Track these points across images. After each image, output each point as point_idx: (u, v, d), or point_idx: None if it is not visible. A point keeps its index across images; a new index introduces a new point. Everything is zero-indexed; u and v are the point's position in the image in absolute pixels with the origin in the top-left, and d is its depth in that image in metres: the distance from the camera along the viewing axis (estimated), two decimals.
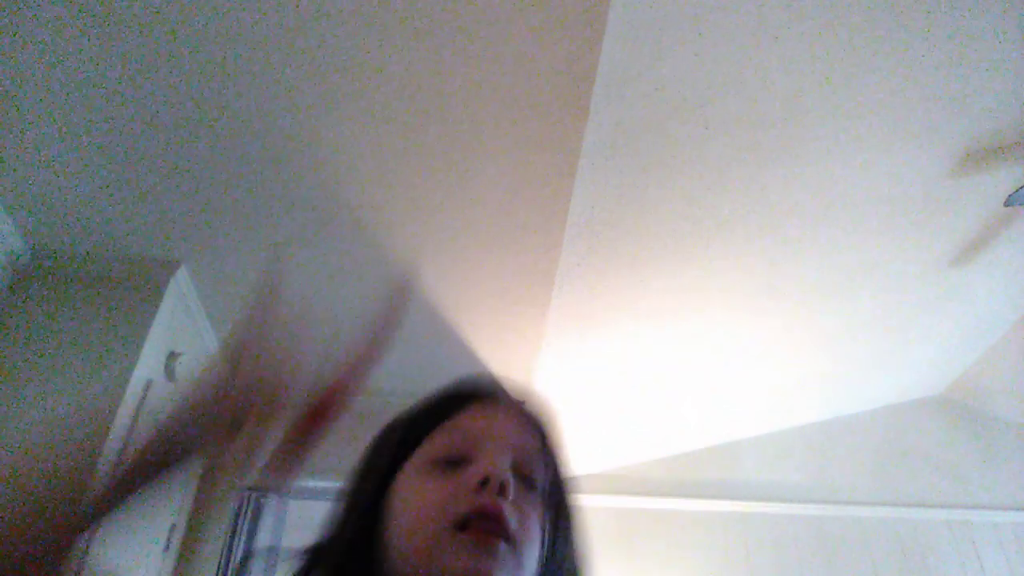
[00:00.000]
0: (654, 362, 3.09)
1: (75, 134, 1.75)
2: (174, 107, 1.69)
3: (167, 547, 2.31)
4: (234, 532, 2.53)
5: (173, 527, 2.35)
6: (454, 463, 0.53)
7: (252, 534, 2.59)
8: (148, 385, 2.05)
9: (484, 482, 0.50)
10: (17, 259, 2.08)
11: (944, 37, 1.86)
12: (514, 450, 0.55)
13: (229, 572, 2.46)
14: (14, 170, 1.85)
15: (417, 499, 0.52)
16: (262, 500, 2.67)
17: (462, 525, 0.48)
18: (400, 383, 2.86)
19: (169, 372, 2.17)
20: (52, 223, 2.03)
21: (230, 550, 2.49)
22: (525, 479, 0.54)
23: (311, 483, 2.74)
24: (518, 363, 2.68)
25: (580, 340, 2.82)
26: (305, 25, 1.51)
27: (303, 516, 3.62)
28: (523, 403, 0.62)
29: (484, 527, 0.48)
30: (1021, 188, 2.33)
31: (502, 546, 0.48)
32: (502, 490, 0.50)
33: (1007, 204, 2.41)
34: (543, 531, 0.52)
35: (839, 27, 1.78)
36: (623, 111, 1.89)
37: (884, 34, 1.82)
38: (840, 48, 1.84)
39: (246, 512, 2.60)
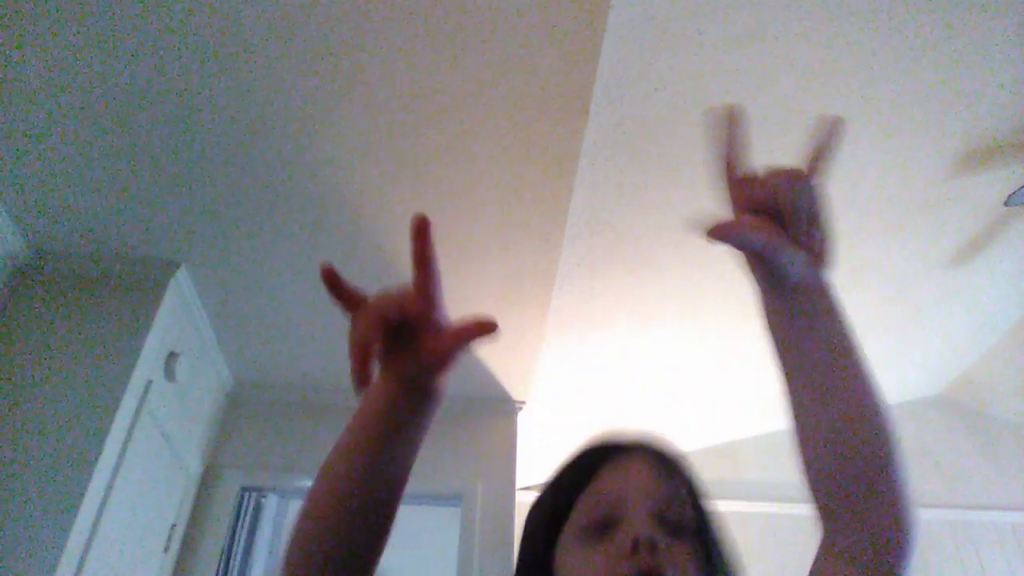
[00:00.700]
0: (654, 362, 3.10)
1: (75, 134, 1.75)
2: (174, 107, 1.69)
3: (167, 547, 2.31)
4: (234, 532, 2.53)
5: (173, 527, 2.35)
6: (604, 527, 0.56)
7: (252, 534, 2.59)
8: (148, 385, 2.05)
9: (635, 546, 0.52)
10: (17, 259, 2.08)
11: (944, 37, 1.86)
12: (655, 500, 0.57)
13: (229, 572, 2.46)
14: (14, 170, 1.85)
15: (578, 573, 0.55)
16: (262, 500, 2.67)
17: None
18: None
19: (169, 372, 2.17)
20: (52, 223, 2.03)
21: (230, 550, 2.49)
22: (671, 525, 0.56)
23: (311, 483, 2.74)
24: (518, 363, 2.69)
25: (580, 340, 2.82)
26: (305, 26, 1.51)
27: None
28: (650, 450, 0.64)
29: None
30: (1021, 188, 2.33)
31: None
32: (653, 548, 0.52)
33: (1007, 204, 2.41)
34: (699, 571, 0.55)
35: (839, 28, 1.78)
36: (623, 111, 1.89)
37: (884, 34, 1.82)
38: (840, 48, 1.84)
39: (246, 512, 2.60)
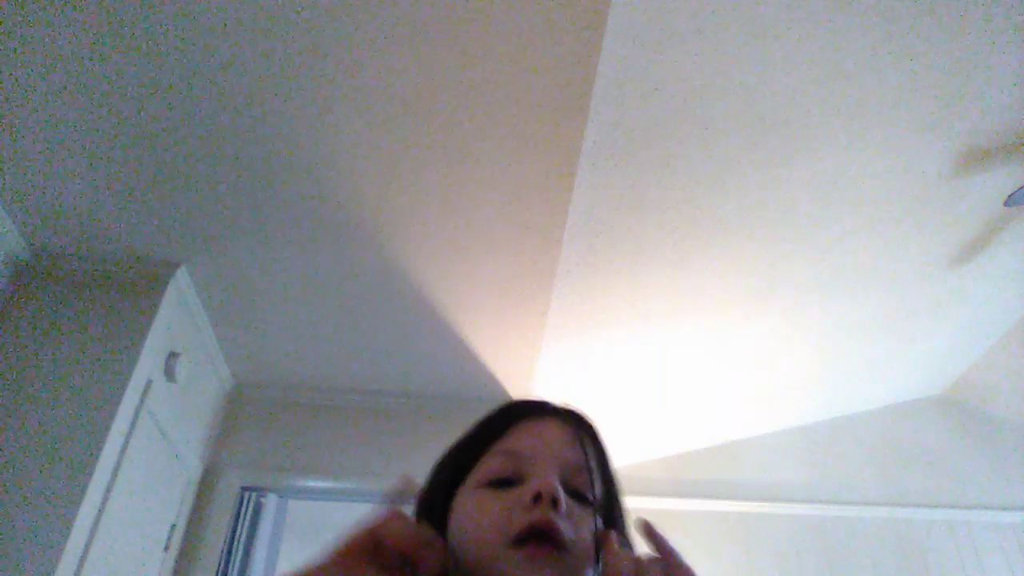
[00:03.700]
0: (654, 362, 3.10)
1: (75, 134, 1.75)
2: (174, 107, 1.69)
3: (167, 547, 2.31)
4: (234, 532, 2.53)
5: (173, 527, 2.35)
6: (507, 483, 0.56)
7: (252, 534, 2.59)
8: (148, 385, 2.05)
9: (537, 498, 0.52)
10: (17, 259, 2.08)
11: (944, 37, 1.86)
12: (563, 465, 0.57)
13: (229, 572, 2.46)
14: (14, 170, 1.85)
15: (475, 518, 0.54)
16: (262, 500, 2.67)
17: (519, 541, 0.50)
18: (400, 383, 2.87)
19: (169, 372, 2.17)
20: (52, 223, 2.03)
21: (230, 550, 2.49)
22: (575, 493, 0.55)
23: (311, 483, 2.75)
24: (518, 363, 2.68)
25: (580, 340, 2.82)
26: (305, 26, 1.51)
27: (303, 516, 3.62)
28: (567, 418, 0.64)
29: (540, 542, 0.50)
30: (1021, 188, 2.33)
31: (558, 559, 0.50)
32: (555, 505, 0.52)
33: (1007, 204, 2.41)
34: (596, 542, 0.54)
35: (839, 27, 1.78)
36: (623, 111, 1.89)
37: (884, 34, 1.82)
38: (840, 48, 1.84)
39: (246, 512, 2.60)
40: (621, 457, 4.03)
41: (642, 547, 0.55)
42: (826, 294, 2.91)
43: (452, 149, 1.82)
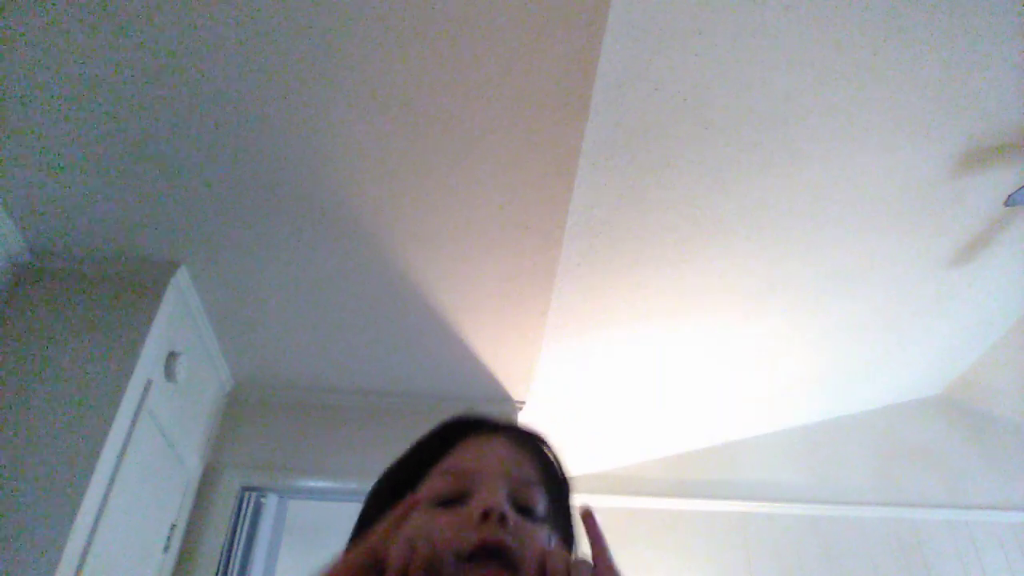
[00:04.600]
0: (654, 362, 3.10)
1: (75, 134, 1.75)
2: (174, 107, 1.69)
3: (167, 547, 2.31)
4: (234, 532, 2.53)
5: (173, 527, 2.35)
6: (452, 501, 0.54)
7: (252, 534, 2.59)
8: (148, 385, 2.05)
9: (485, 516, 0.51)
10: (17, 259, 2.08)
11: (944, 37, 1.86)
12: (510, 481, 0.55)
13: (229, 572, 2.46)
14: (14, 170, 1.85)
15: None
16: (262, 500, 2.67)
17: (470, 560, 0.49)
18: (400, 383, 2.87)
19: (169, 372, 2.17)
20: (52, 223, 2.03)
21: (230, 550, 2.49)
22: (523, 507, 0.54)
23: (311, 483, 2.75)
24: (518, 363, 2.69)
25: (580, 340, 2.82)
26: (305, 26, 1.51)
27: (303, 516, 3.62)
28: (510, 433, 0.62)
29: (491, 560, 0.49)
30: (1021, 188, 2.33)
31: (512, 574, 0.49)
32: (502, 521, 0.50)
33: (1007, 204, 2.41)
34: (540, 561, 0.52)
35: (839, 27, 1.78)
36: (623, 111, 1.89)
37: (884, 34, 1.82)
38: (840, 48, 1.84)
39: (246, 512, 2.60)
40: (621, 457, 4.04)
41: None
42: (826, 294, 2.91)
43: (452, 149, 1.82)
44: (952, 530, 3.54)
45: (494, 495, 0.53)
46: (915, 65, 1.93)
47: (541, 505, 0.56)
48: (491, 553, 0.49)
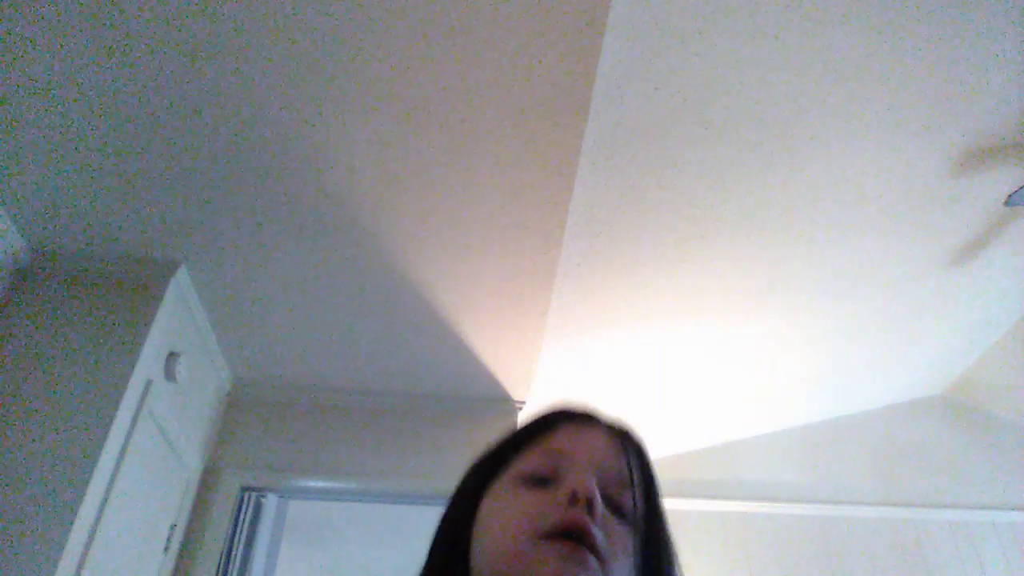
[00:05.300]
0: (654, 362, 3.10)
1: (75, 134, 1.75)
2: (174, 107, 1.69)
3: (167, 547, 2.31)
4: (234, 532, 2.53)
5: (173, 527, 2.35)
6: (542, 481, 0.54)
7: (252, 534, 2.59)
8: (148, 385, 2.05)
9: (572, 498, 0.50)
10: (17, 259, 2.08)
11: (944, 36, 1.86)
12: (602, 472, 0.55)
13: (229, 572, 2.46)
14: (14, 170, 1.85)
15: (505, 512, 0.53)
16: (262, 500, 2.67)
17: (550, 537, 0.49)
18: (400, 383, 2.87)
19: (169, 372, 2.17)
20: (52, 223, 2.03)
21: (230, 550, 2.49)
22: (613, 504, 0.53)
23: (311, 483, 2.75)
24: (518, 363, 2.69)
25: (580, 340, 2.82)
26: (305, 26, 1.51)
27: (303, 516, 3.62)
28: (612, 427, 0.61)
29: (572, 541, 0.48)
30: (1021, 188, 2.33)
31: (591, 559, 0.48)
32: (590, 507, 0.50)
33: (1007, 204, 2.41)
34: (632, 559, 0.51)
35: (839, 27, 1.78)
36: (623, 111, 1.89)
37: (884, 34, 1.82)
38: (840, 48, 1.84)
39: (246, 512, 2.60)
40: None
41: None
42: (826, 294, 2.91)
43: (452, 149, 1.82)
44: (952, 530, 3.54)
45: (584, 479, 0.52)
46: (915, 65, 1.93)
47: (630, 506, 0.54)
48: (573, 536, 0.48)
